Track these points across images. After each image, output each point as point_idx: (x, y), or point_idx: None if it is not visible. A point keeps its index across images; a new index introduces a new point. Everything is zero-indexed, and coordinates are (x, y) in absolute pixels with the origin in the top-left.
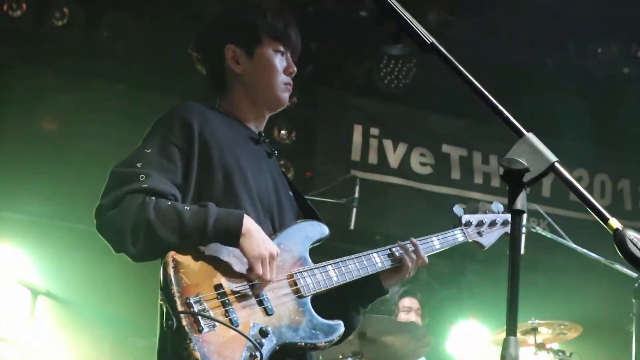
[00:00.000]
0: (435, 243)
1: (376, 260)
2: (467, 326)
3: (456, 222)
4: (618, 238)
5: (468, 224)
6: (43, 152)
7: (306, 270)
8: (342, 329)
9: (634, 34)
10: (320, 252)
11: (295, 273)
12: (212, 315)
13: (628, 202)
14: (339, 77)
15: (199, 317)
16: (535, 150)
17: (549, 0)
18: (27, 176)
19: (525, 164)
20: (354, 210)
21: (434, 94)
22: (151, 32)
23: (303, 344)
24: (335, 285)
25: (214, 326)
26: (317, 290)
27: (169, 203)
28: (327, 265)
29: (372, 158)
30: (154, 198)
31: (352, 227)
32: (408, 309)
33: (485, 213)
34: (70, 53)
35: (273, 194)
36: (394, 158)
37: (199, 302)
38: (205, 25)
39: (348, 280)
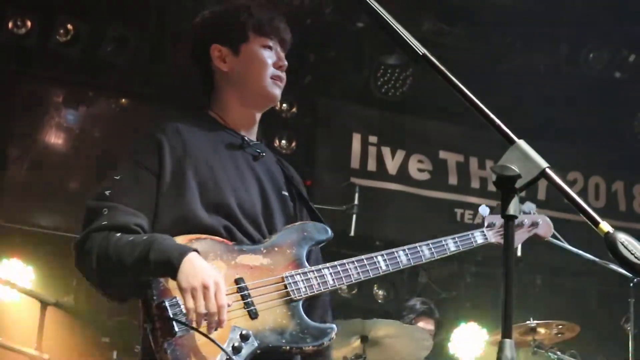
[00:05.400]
0: (450, 245)
1: (380, 264)
2: (467, 329)
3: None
4: (609, 241)
5: (491, 225)
6: (49, 166)
7: (299, 274)
8: (333, 334)
9: (624, 39)
10: (322, 258)
11: (287, 276)
12: (184, 320)
13: (622, 203)
14: (337, 87)
15: (173, 320)
16: (527, 156)
17: (541, 7)
18: (35, 190)
19: (517, 170)
20: (354, 216)
21: (430, 102)
22: (154, 47)
23: (288, 347)
24: (330, 288)
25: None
26: (310, 294)
27: (130, 238)
28: (323, 268)
29: (371, 165)
30: (116, 234)
31: (352, 233)
32: None
33: None
34: (74, 68)
35: (259, 200)
36: (392, 165)
37: (174, 305)
38: (192, 28)
39: (346, 284)
